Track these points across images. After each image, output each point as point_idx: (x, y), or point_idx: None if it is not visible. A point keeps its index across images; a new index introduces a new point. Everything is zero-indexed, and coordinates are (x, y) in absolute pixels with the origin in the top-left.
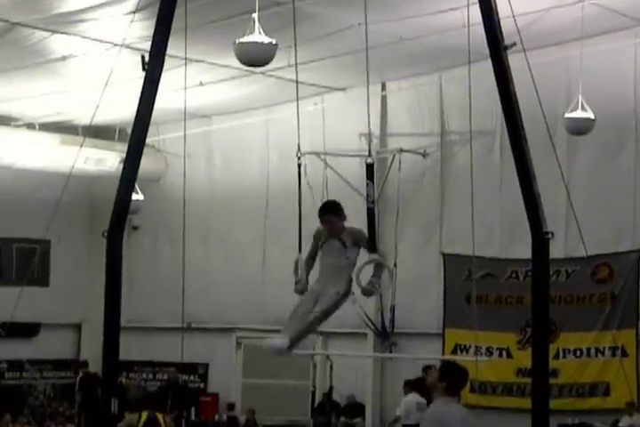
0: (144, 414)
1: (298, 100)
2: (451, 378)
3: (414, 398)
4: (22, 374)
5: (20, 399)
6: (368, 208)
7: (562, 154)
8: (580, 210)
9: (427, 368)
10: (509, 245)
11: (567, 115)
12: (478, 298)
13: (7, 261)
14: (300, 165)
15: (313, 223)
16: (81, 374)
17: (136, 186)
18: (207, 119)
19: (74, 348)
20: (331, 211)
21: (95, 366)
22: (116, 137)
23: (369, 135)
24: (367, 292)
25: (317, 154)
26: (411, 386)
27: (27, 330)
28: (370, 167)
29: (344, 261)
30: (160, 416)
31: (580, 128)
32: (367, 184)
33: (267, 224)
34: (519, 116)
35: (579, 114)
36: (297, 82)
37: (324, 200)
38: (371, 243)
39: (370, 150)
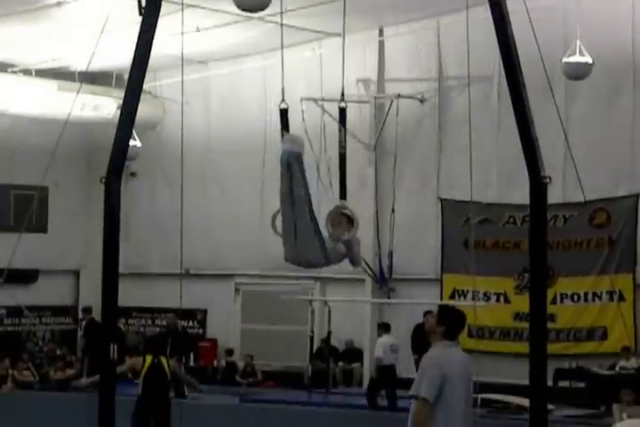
0: (148, 358)
1: (282, 47)
2: (449, 322)
3: (387, 339)
4: (21, 321)
5: (19, 345)
6: (340, 153)
7: (560, 99)
8: (577, 155)
9: (427, 313)
10: (507, 190)
11: (565, 60)
12: (476, 243)
13: (5, 208)
14: (282, 112)
15: (310, 168)
16: (86, 320)
17: (133, 132)
18: (204, 65)
19: (72, 294)
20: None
21: (94, 313)
22: (113, 83)
23: (342, 77)
24: (335, 237)
25: (315, 100)
26: (384, 328)
27: (25, 276)
28: (342, 112)
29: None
30: (164, 360)
31: (578, 73)
32: (339, 130)
33: (264, 170)
34: (517, 61)
35: (577, 59)
36: (282, 26)
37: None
38: (341, 188)
39: (343, 94)
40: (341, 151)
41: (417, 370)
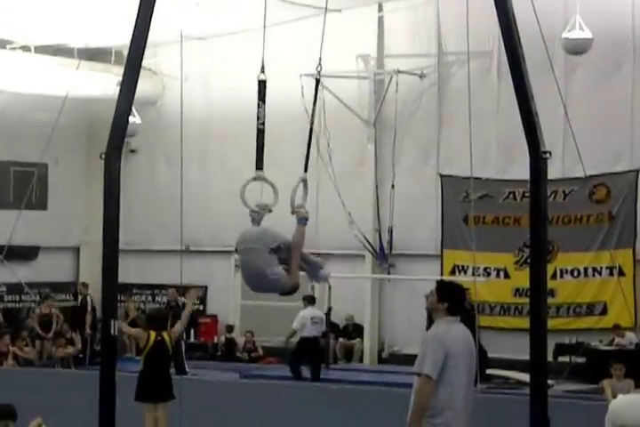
0: (152, 334)
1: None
2: (451, 297)
3: (309, 312)
4: (22, 297)
5: (20, 322)
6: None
7: (560, 74)
8: (577, 130)
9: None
10: (506, 166)
11: (565, 34)
12: (476, 219)
13: (4, 185)
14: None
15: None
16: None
17: (133, 109)
18: (203, 41)
19: (72, 271)
20: None
21: (94, 289)
22: (113, 60)
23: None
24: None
25: (313, 76)
26: (308, 301)
27: (25, 253)
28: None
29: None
30: (166, 336)
31: (577, 48)
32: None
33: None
34: (517, 36)
35: (576, 34)
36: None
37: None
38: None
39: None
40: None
41: None
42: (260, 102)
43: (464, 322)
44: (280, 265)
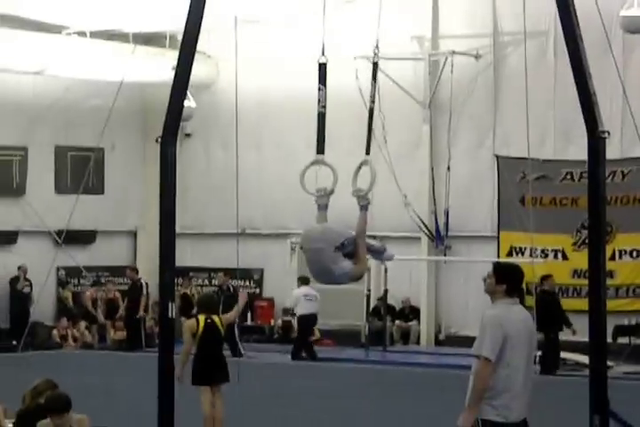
0: (201, 318)
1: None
2: (510, 279)
3: (303, 290)
4: (80, 281)
5: (78, 306)
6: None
7: (617, 53)
8: (636, 109)
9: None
10: (564, 146)
11: (623, 13)
12: (533, 200)
13: (62, 170)
14: (321, 67)
15: (365, 126)
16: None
17: (188, 93)
18: (257, 24)
19: (130, 255)
20: None
21: (152, 273)
22: (167, 44)
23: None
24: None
25: (367, 58)
26: (302, 281)
27: (83, 238)
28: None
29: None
30: (217, 319)
31: (635, 26)
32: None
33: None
34: (574, 14)
35: (634, 12)
36: None
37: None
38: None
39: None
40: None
41: None
42: (321, 86)
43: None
44: (345, 259)
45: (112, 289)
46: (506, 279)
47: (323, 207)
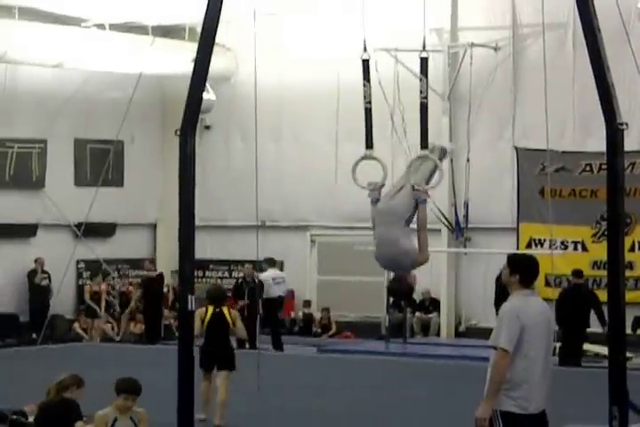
0: (210, 308)
1: None
2: (522, 269)
3: (270, 273)
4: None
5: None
6: (421, 103)
7: (636, 44)
8: None
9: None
10: (583, 138)
11: None
12: (552, 192)
13: (81, 163)
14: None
15: (385, 119)
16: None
17: (207, 85)
18: (277, 17)
19: (150, 247)
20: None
21: (171, 265)
22: (186, 36)
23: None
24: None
25: (388, 50)
26: (267, 263)
27: (103, 230)
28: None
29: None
30: (225, 310)
31: None
32: (420, 80)
33: (339, 121)
34: (592, 6)
35: None
36: None
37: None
38: (422, 138)
39: (424, 45)
40: (423, 101)
41: None
42: (365, 82)
43: None
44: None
45: (124, 282)
46: (519, 270)
47: (374, 201)
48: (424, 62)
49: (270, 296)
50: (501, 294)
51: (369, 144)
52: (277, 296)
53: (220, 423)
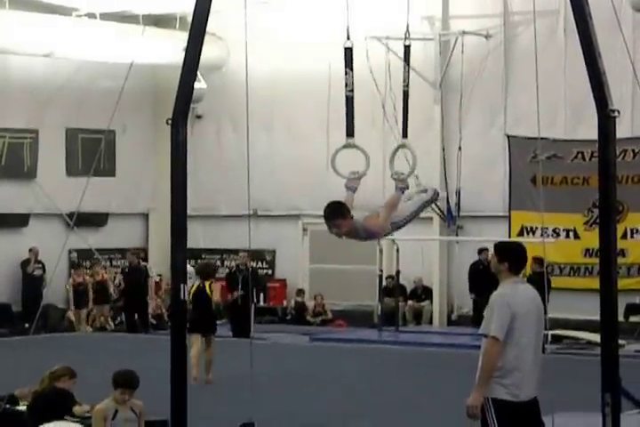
0: (196, 284)
1: None
2: (510, 257)
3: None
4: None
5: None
6: (404, 91)
7: (627, 32)
8: None
9: (482, 251)
10: (574, 126)
11: None
12: (544, 180)
13: (73, 153)
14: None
15: (376, 108)
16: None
17: (199, 74)
18: (268, 5)
19: (142, 237)
20: (331, 218)
21: (164, 255)
22: (177, 25)
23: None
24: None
25: (379, 38)
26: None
27: (95, 220)
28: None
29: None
30: (207, 284)
31: None
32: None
33: (330, 109)
34: None
35: None
36: None
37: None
38: (404, 127)
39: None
40: (405, 89)
41: (474, 309)
42: (347, 69)
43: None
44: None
45: (100, 272)
46: (506, 257)
47: (352, 189)
48: (407, 50)
49: None
50: (476, 281)
51: (350, 132)
52: None
53: (211, 377)
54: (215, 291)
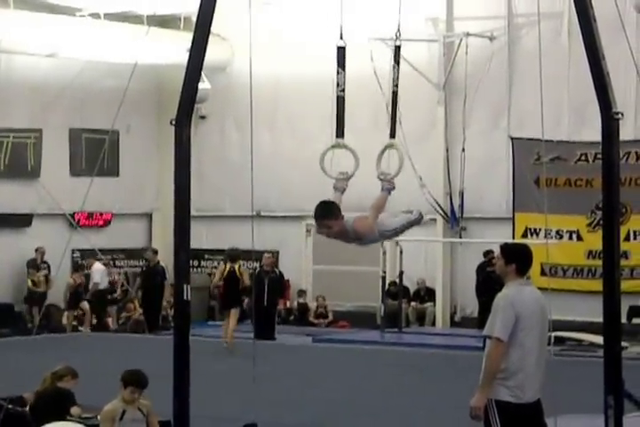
0: (228, 266)
1: None
2: (517, 259)
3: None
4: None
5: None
6: (393, 92)
7: (631, 34)
8: None
9: (488, 253)
10: (578, 128)
11: None
12: (547, 181)
13: (76, 152)
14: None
15: (379, 109)
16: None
17: (203, 75)
18: (273, 7)
19: (145, 237)
20: (321, 217)
21: (167, 255)
22: (182, 26)
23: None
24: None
25: (383, 40)
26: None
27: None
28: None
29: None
30: (237, 267)
31: None
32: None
33: (334, 110)
34: None
35: None
36: None
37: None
38: (392, 127)
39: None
40: (394, 89)
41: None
42: (340, 69)
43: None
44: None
45: (111, 272)
46: (514, 259)
47: (340, 190)
48: (397, 51)
49: (100, 288)
50: (483, 284)
51: (339, 133)
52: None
53: (231, 341)
54: (244, 274)
